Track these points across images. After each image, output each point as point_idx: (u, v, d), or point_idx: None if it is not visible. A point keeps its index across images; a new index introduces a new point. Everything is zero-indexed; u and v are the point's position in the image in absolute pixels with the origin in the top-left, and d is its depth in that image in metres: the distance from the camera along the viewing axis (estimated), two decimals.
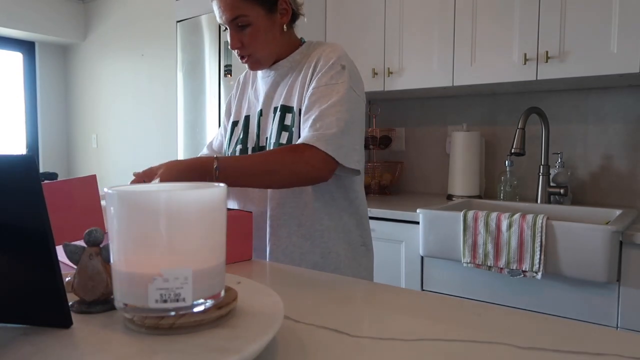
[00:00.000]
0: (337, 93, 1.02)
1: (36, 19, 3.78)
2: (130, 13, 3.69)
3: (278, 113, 1.12)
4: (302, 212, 1.10)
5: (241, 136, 1.18)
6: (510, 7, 1.87)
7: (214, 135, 1.38)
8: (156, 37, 3.48)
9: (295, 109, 1.09)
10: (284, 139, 1.08)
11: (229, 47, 1.10)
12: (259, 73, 1.20)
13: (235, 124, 1.23)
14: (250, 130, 1.18)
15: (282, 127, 1.10)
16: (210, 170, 0.91)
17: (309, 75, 1.09)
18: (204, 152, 1.37)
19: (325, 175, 1.00)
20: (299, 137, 1.05)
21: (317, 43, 1.17)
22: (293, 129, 1.08)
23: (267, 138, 1.13)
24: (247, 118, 1.20)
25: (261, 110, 1.16)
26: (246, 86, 1.27)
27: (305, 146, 0.98)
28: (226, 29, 1.09)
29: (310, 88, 1.06)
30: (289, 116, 1.10)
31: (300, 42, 1.18)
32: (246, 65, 1.15)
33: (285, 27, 1.12)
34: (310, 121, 1.02)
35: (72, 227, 0.91)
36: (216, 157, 0.93)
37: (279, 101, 1.14)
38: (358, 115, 1.07)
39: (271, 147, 1.10)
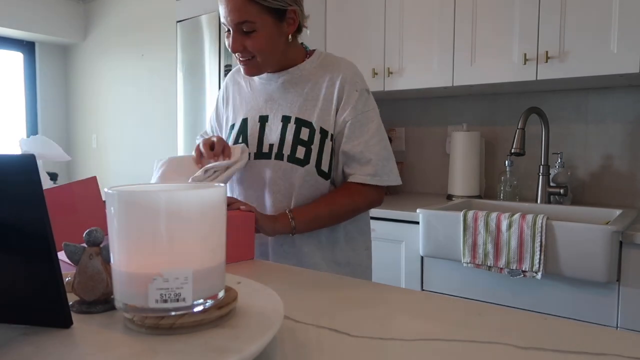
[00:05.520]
0: (372, 121, 1.12)
1: (36, 19, 3.78)
2: (130, 13, 3.69)
3: (292, 125, 1.10)
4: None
5: (240, 140, 1.16)
6: (510, 7, 1.87)
7: (205, 130, 1.36)
8: (156, 37, 3.48)
9: (315, 125, 1.09)
10: (300, 153, 1.08)
11: (229, 48, 1.07)
12: (261, 76, 1.16)
13: (232, 127, 1.20)
14: (250, 134, 1.15)
15: (298, 140, 1.09)
16: (287, 222, 1.06)
17: (334, 98, 1.10)
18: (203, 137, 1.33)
19: (382, 201, 1.17)
20: (318, 156, 1.10)
21: (331, 56, 1.16)
22: (312, 146, 1.09)
23: (271, 145, 1.11)
24: (244, 121, 1.17)
25: (267, 116, 1.14)
26: (238, 87, 1.24)
27: (365, 187, 1.10)
28: (229, 30, 1.06)
29: (347, 116, 1.09)
30: (305, 131, 1.09)
31: (304, 50, 1.17)
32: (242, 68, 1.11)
33: (290, 37, 1.10)
34: (358, 153, 1.10)
35: (77, 230, 0.91)
36: (289, 212, 1.07)
37: (291, 111, 1.12)
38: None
39: (284, 159, 1.09)
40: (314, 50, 1.18)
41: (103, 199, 1.08)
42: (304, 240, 1.12)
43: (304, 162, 1.08)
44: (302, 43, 1.18)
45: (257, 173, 1.13)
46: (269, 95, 1.16)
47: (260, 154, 1.13)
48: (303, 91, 1.12)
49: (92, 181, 1.04)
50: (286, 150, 1.09)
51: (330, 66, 1.14)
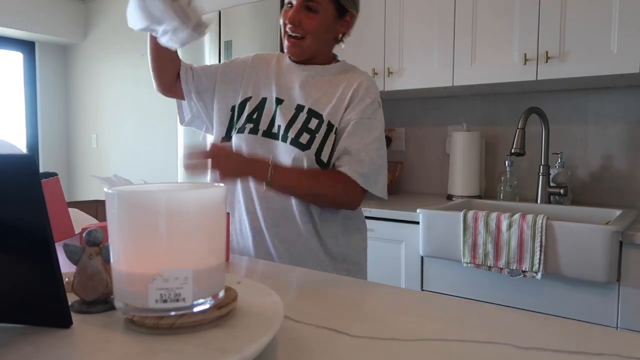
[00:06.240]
0: (376, 129, 1.15)
1: (36, 19, 3.78)
2: None
3: (304, 114, 1.14)
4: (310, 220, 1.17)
5: (255, 116, 1.18)
6: (510, 7, 1.87)
7: (203, 65, 1.32)
8: None
9: (324, 117, 1.13)
10: (304, 139, 1.12)
11: (285, 19, 1.12)
12: (288, 64, 1.20)
13: (248, 99, 1.21)
14: (265, 113, 1.18)
15: (305, 128, 1.13)
16: (265, 172, 1.04)
17: (347, 97, 1.15)
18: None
19: (358, 206, 1.17)
20: (320, 144, 1.12)
21: (353, 67, 1.23)
22: (317, 134, 1.12)
23: (279, 127, 1.15)
24: (264, 100, 1.19)
25: (283, 100, 1.17)
26: (266, 66, 1.24)
27: (350, 181, 1.10)
28: (290, 3, 1.12)
29: (354, 115, 1.13)
30: (314, 121, 1.13)
31: (334, 57, 1.23)
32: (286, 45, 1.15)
33: (340, 36, 1.19)
34: (355, 150, 1.11)
35: None
36: (272, 164, 1.06)
37: (305, 101, 1.15)
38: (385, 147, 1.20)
39: (287, 142, 1.12)
40: (340, 60, 1.24)
41: (67, 199, 1.08)
42: (300, 233, 1.14)
43: (305, 147, 1.11)
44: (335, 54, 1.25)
45: (264, 151, 1.16)
46: (289, 84, 1.19)
47: (269, 133, 1.16)
48: (321, 88, 1.17)
49: (54, 182, 1.04)
50: (291, 134, 1.13)
51: (351, 72, 1.20)
